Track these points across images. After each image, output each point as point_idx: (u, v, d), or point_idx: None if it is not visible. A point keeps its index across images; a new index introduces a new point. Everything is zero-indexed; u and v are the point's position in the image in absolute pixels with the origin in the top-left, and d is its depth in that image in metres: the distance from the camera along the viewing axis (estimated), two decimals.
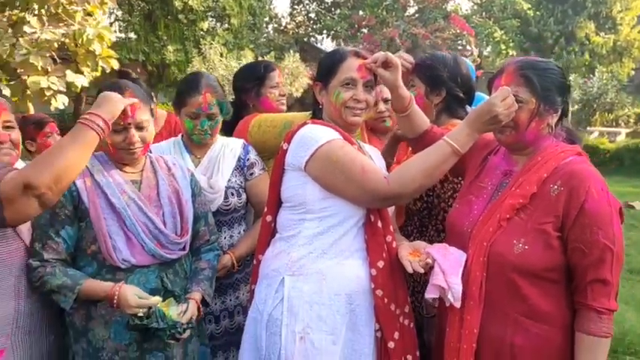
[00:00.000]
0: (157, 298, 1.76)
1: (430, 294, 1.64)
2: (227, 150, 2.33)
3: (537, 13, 23.37)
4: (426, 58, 2.24)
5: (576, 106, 20.69)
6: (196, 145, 2.32)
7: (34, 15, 8.77)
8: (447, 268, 1.60)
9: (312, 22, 26.36)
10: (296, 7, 28.18)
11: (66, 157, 1.58)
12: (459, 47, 20.93)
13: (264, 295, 1.76)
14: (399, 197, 1.73)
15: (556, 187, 1.59)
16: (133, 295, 1.71)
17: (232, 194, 2.28)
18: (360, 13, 23.45)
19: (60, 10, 8.72)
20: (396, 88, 1.78)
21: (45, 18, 8.62)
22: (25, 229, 1.79)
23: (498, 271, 1.61)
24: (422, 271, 1.65)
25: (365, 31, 22.29)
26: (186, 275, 2.00)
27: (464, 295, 1.64)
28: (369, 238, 1.74)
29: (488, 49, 24.77)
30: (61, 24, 8.80)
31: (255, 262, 1.91)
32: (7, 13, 8.60)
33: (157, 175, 1.97)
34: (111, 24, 14.01)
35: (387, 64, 1.76)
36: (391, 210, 1.89)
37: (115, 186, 1.85)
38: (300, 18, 27.03)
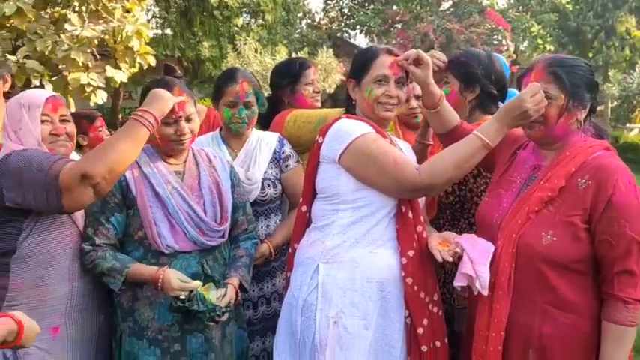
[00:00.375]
0: (198, 282, 1.86)
1: (458, 282, 1.70)
2: (263, 143, 2.43)
3: (576, 6, 22.89)
4: (461, 55, 2.29)
5: (615, 103, 20.19)
6: (234, 136, 2.42)
7: (75, 12, 9.05)
8: (475, 258, 1.66)
9: (345, 17, 26.26)
10: (329, 2, 28.13)
11: (119, 150, 1.73)
12: (495, 42, 20.63)
13: (300, 281, 1.85)
14: (430, 188, 1.79)
15: (584, 180, 1.63)
16: (175, 278, 1.83)
17: (268, 185, 2.38)
18: (394, 8, 23.32)
19: (100, 8, 8.98)
20: (427, 85, 1.84)
21: (85, 15, 8.89)
22: (79, 215, 1.93)
23: (527, 261, 1.66)
24: (450, 259, 1.71)
25: (398, 26, 22.18)
26: (225, 262, 2.11)
27: (493, 284, 1.70)
28: (400, 228, 1.82)
29: (525, 44, 24.37)
30: (100, 21, 9.06)
31: (290, 250, 2.00)
32: (49, 11, 8.89)
33: (199, 166, 2.09)
34: (148, 21, 14.27)
35: (418, 62, 1.82)
36: (422, 202, 1.95)
37: (160, 177, 1.97)
38: (333, 13, 26.98)
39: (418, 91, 2.42)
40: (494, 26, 20.63)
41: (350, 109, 1.99)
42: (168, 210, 1.93)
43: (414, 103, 2.53)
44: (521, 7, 23.99)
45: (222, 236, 2.05)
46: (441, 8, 22.64)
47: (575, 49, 22.80)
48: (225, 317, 1.90)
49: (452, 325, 2.14)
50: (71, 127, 2.01)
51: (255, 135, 2.47)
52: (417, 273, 1.80)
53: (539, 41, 23.24)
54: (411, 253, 1.79)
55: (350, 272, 1.78)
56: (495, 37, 20.91)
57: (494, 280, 1.70)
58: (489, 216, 1.81)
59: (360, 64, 1.90)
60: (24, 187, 1.75)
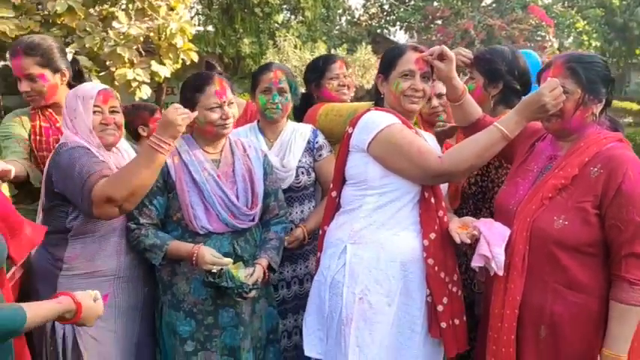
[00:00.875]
0: (229, 260, 2.05)
1: (476, 263, 1.83)
2: (297, 134, 2.58)
3: (623, 2, 22.27)
4: (485, 52, 2.40)
5: None
6: (270, 126, 2.59)
7: (122, 10, 9.38)
8: (492, 240, 1.79)
9: (385, 14, 26.17)
10: None
11: (140, 177, 1.94)
12: (537, 39, 20.25)
13: (328, 261, 2.01)
14: (452, 175, 1.93)
15: (596, 169, 1.74)
16: (209, 254, 2.02)
17: (302, 173, 2.53)
18: (435, 4, 23.15)
19: (146, 5, 9.28)
20: (451, 79, 1.97)
21: (132, 13, 9.21)
22: None
23: (540, 244, 1.77)
24: (468, 241, 1.84)
25: (439, 22, 22.01)
26: (256, 244, 2.28)
27: (508, 265, 1.82)
28: (423, 213, 1.95)
29: (569, 40, 23.83)
30: (146, 18, 9.37)
31: (320, 232, 2.16)
32: (97, 9, 9.24)
33: (234, 155, 2.27)
34: (191, 18, 14.56)
35: (442, 57, 1.96)
36: (444, 189, 2.08)
37: (197, 164, 2.16)
38: (373, 10, 26.90)
39: (439, 90, 2.56)
40: (537, 22, 20.23)
41: (378, 103, 2.13)
42: (203, 195, 2.12)
43: (435, 102, 2.64)
44: (566, 3, 23.47)
45: (253, 220, 2.23)
46: (483, 4, 22.36)
47: (621, 45, 22.24)
48: (252, 294, 2.07)
49: (472, 309, 2.27)
50: (119, 118, 2.19)
51: (290, 126, 2.62)
52: (437, 254, 1.93)
53: (585, 37, 22.74)
54: (432, 235, 1.93)
55: (375, 253, 1.92)
56: (539, 33, 20.47)
57: (510, 262, 1.82)
58: (507, 202, 1.93)
59: (388, 61, 2.04)
60: (66, 184, 1.99)
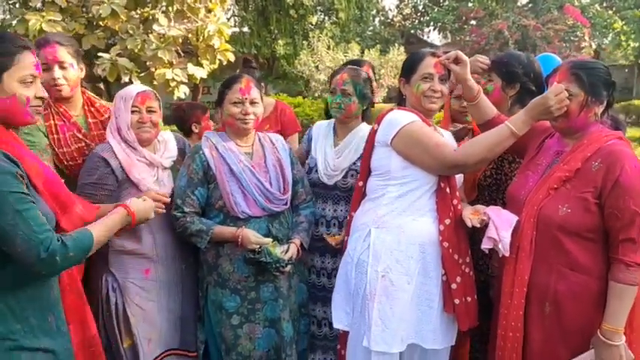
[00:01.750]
0: (269, 239, 2.32)
1: (485, 245, 2.04)
2: (362, 137, 2.55)
3: None
4: (503, 57, 2.61)
5: None
6: (341, 125, 2.71)
7: (162, 12, 9.73)
8: (500, 224, 2.00)
9: (419, 14, 26.14)
10: None
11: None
12: (573, 39, 20.00)
13: (355, 243, 2.23)
14: (465, 166, 2.14)
15: (596, 163, 1.93)
16: (253, 234, 2.30)
17: (352, 176, 2.60)
18: (469, 5, 23.04)
19: (185, 8, 9.61)
20: (466, 80, 2.19)
21: (171, 15, 9.54)
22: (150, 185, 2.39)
23: (546, 229, 1.97)
24: (479, 225, 2.05)
25: (473, 23, 21.94)
26: (289, 226, 2.53)
27: (517, 249, 2.01)
28: (439, 201, 2.17)
29: (607, 40, 23.47)
30: (185, 20, 9.70)
31: (348, 218, 2.39)
32: (139, 11, 9.61)
33: (264, 148, 2.54)
34: (228, 19, 14.87)
35: (457, 61, 2.17)
36: (459, 181, 2.29)
37: (234, 156, 2.42)
38: (407, 10, 26.89)
39: None
40: (573, 22, 19.98)
41: (401, 103, 2.35)
42: (241, 183, 2.38)
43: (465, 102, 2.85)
44: (604, 3, 23.10)
45: (285, 204, 2.49)
46: (518, 4, 22.18)
47: None
48: (287, 269, 2.34)
49: (488, 292, 2.47)
50: (156, 117, 2.45)
51: (361, 128, 2.68)
52: (452, 238, 2.14)
53: (623, 38, 22.38)
54: (447, 221, 2.14)
55: (396, 236, 2.14)
56: (575, 33, 20.19)
57: (519, 245, 2.01)
58: (517, 193, 2.13)
59: (409, 65, 2.27)
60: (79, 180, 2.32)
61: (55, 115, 2.52)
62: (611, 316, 1.89)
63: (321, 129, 2.80)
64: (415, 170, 2.16)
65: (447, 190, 2.16)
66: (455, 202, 2.17)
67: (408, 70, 2.27)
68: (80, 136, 2.53)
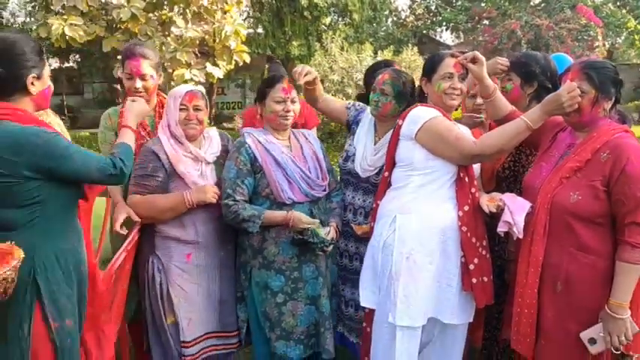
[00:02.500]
0: (317, 220, 2.54)
1: (500, 228, 2.22)
2: None
3: None
4: (522, 57, 2.78)
5: None
6: (379, 122, 2.83)
7: (180, 15, 9.93)
8: (514, 210, 2.19)
9: (431, 14, 26.14)
10: (416, 0, 27.95)
11: (163, 211, 2.56)
12: (586, 38, 19.97)
13: (381, 228, 2.43)
14: (484, 156, 2.33)
15: (605, 154, 2.11)
16: (303, 216, 2.53)
17: None
18: (482, 4, 23.02)
19: (202, 10, 9.81)
20: (482, 78, 2.37)
21: (189, 17, 9.74)
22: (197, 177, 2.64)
23: (558, 215, 2.15)
24: (495, 211, 2.24)
25: (486, 23, 21.96)
26: (325, 211, 2.75)
27: (532, 232, 2.20)
28: (459, 190, 2.35)
29: (620, 40, 23.40)
30: (202, 22, 9.89)
31: (374, 205, 2.58)
32: (156, 14, 9.81)
33: (300, 141, 2.77)
34: (243, 20, 15.10)
35: (474, 60, 2.36)
36: (477, 172, 2.47)
37: (276, 148, 2.64)
38: (420, 11, 26.90)
39: None
40: (586, 22, 19.95)
41: (422, 101, 2.54)
42: (286, 172, 2.59)
43: (479, 100, 3.00)
44: (617, 2, 23.03)
45: (324, 190, 2.71)
46: (531, 4, 22.15)
47: None
48: (330, 248, 2.57)
49: (503, 275, 2.66)
50: (202, 115, 2.66)
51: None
52: (470, 223, 2.33)
53: (636, 37, 22.33)
54: (466, 208, 2.33)
55: (420, 221, 2.33)
56: (588, 32, 20.15)
57: (533, 229, 2.20)
58: (532, 182, 2.32)
59: (430, 66, 2.46)
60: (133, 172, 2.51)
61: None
62: (617, 291, 2.06)
63: (367, 120, 2.90)
64: (437, 162, 2.34)
65: (466, 179, 2.35)
66: (473, 190, 2.36)
67: (430, 70, 2.46)
68: (144, 133, 2.78)
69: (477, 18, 22.16)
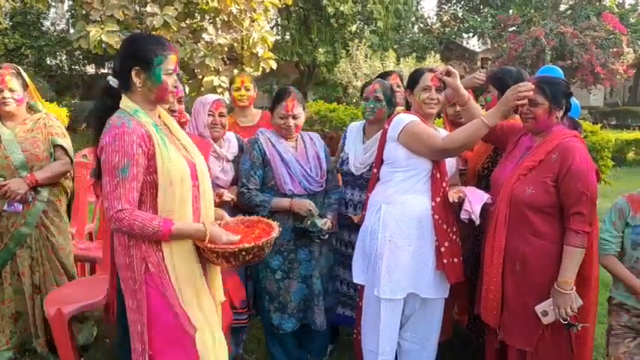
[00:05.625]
0: (316, 211, 2.94)
1: (463, 215, 2.61)
2: None
3: None
4: (498, 72, 3.18)
5: None
6: (369, 125, 3.27)
7: (210, 23, 10.35)
8: (472, 200, 2.59)
9: (458, 21, 26.22)
10: (444, 6, 28.06)
11: None
12: (611, 46, 19.93)
13: (369, 216, 2.84)
14: (451, 150, 2.68)
15: (555, 156, 2.49)
16: (306, 202, 2.94)
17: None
18: (510, 12, 23.05)
19: (231, 18, 10.21)
20: (457, 88, 2.76)
21: (219, 25, 10.15)
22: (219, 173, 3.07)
23: (516, 206, 2.54)
24: (457, 201, 2.63)
25: (511, 30, 22.04)
26: (322, 204, 3.15)
27: (495, 221, 2.58)
28: (432, 184, 2.74)
29: None
30: (231, 30, 10.29)
31: (366, 197, 3.00)
32: (188, 22, 10.27)
33: (305, 143, 3.18)
34: (271, 28, 15.47)
35: (448, 74, 2.76)
36: (450, 171, 2.86)
37: (283, 148, 3.07)
38: (446, 18, 27.01)
39: None
40: (611, 29, 19.91)
41: (408, 109, 2.95)
42: (289, 168, 3.03)
43: (459, 108, 3.29)
44: None
45: (321, 186, 3.13)
46: (557, 11, 22.12)
47: None
48: (326, 237, 2.98)
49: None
50: (225, 120, 3.12)
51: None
52: (441, 212, 2.72)
53: None
54: (438, 199, 2.72)
55: (400, 210, 2.73)
56: (613, 40, 20.11)
57: (496, 218, 2.58)
58: (497, 178, 2.70)
59: (413, 80, 2.86)
60: None
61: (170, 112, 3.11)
62: (564, 271, 2.43)
63: (354, 129, 3.39)
64: (415, 160, 2.74)
65: (438, 175, 2.74)
66: (444, 184, 2.75)
67: (412, 83, 2.86)
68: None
69: (502, 25, 22.27)
